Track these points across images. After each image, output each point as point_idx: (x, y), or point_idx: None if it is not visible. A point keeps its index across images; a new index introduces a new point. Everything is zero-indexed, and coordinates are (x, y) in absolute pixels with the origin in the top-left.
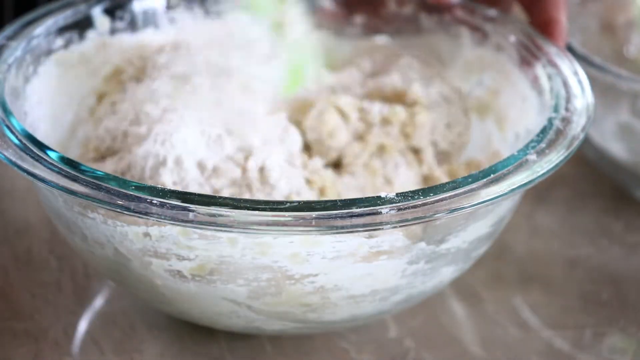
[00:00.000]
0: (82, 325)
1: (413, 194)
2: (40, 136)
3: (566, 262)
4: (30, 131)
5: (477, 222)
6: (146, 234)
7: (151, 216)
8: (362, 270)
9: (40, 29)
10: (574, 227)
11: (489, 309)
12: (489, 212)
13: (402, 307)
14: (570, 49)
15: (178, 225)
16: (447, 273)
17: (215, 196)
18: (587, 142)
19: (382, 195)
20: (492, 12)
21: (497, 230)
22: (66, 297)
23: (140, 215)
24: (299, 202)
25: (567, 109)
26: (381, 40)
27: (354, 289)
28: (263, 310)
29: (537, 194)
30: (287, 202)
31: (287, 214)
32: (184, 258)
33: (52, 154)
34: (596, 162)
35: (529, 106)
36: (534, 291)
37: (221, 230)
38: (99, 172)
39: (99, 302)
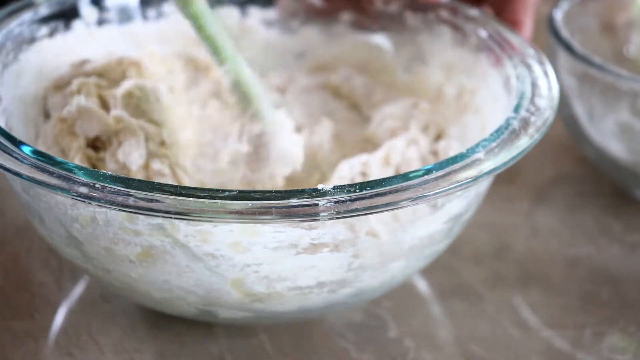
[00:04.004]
0: (82, 325)
1: (350, 187)
2: (14, 121)
3: (566, 262)
4: (4, 115)
5: (425, 218)
6: (94, 219)
7: (93, 200)
8: (306, 262)
9: (24, 17)
10: (574, 226)
11: (489, 309)
12: (437, 208)
13: (357, 301)
14: (570, 49)
15: (119, 210)
16: (399, 269)
17: (154, 182)
18: (587, 142)
19: (319, 187)
20: (473, 11)
21: (453, 229)
22: (66, 296)
23: (83, 199)
24: (238, 190)
25: (527, 110)
26: (368, 38)
27: (299, 280)
28: (210, 297)
29: (537, 193)
30: (225, 190)
31: (223, 202)
32: (131, 243)
33: None
34: (596, 162)
35: (499, 106)
36: (534, 291)
37: (159, 216)
38: (43, 153)
39: (99, 301)
